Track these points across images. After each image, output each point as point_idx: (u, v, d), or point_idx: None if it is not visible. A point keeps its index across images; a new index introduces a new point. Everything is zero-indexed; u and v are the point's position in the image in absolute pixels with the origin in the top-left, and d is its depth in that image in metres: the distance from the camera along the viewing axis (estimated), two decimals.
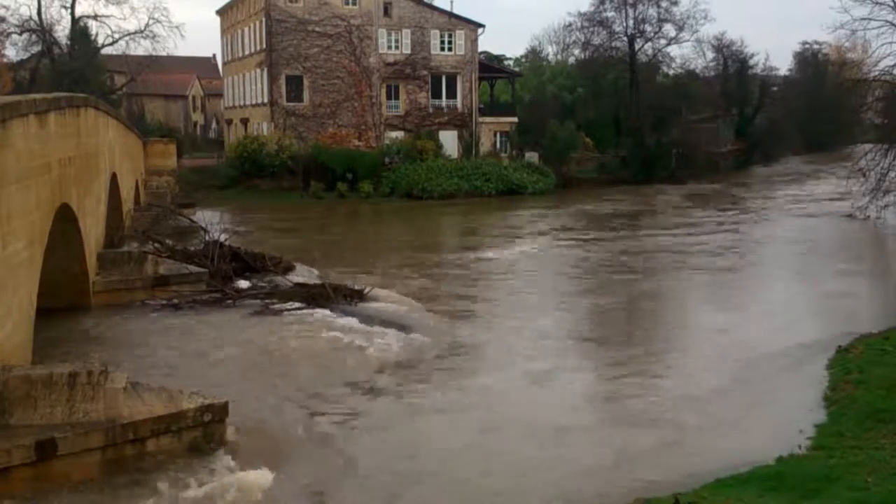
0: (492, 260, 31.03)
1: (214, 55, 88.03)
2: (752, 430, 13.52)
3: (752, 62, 79.49)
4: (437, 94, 58.60)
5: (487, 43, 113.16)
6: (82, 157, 18.52)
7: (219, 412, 11.67)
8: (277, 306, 20.56)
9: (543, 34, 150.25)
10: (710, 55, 78.48)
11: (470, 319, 21.28)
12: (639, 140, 62.49)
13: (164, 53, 58.08)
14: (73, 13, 56.41)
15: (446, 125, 58.45)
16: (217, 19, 66.55)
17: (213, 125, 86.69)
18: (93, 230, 20.57)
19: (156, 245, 24.71)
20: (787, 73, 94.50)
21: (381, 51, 56.50)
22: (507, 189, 53.35)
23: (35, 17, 54.30)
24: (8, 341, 11.41)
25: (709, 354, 17.80)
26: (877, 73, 41.39)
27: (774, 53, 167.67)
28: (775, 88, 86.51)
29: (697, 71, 76.85)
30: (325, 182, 50.80)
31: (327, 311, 20.24)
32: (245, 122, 59.91)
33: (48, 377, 10.85)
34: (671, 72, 72.95)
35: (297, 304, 20.71)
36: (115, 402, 11.10)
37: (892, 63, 39.86)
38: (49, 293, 15.42)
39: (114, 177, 25.95)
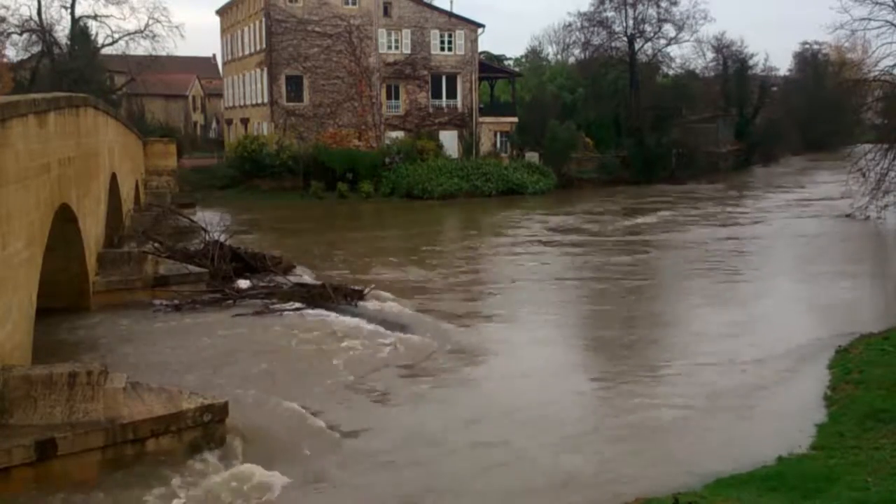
0: (492, 259, 31.02)
1: (214, 55, 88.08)
2: (751, 429, 13.51)
3: (751, 62, 79.83)
4: (437, 94, 58.64)
5: (487, 43, 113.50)
6: (82, 157, 18.52)
7: (219, 412, 11.66)
8: (277, 306, 20.57)
9: (543, 34, 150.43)
10: (710, 55, 78.86)
11: (470, 319, 21.24)
12: (639, 140, 62.58)
13: (164, 53, 58.23)
14: (73, 13, 56.54)
15: (446, 125, 58.49)
16: (217, 19, 66.55)
17: (213, 125, 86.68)
18: (93, 230, 20.57)
19: (156, 245, 24.72)
20: (787, 74, 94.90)
21: (381, 51, 56.45)
22: (508, 189, 53.40)
23: (35, 17, 54.45)
24: (8, 341, 11.42)
25: (708, 354, 17.75)
26: (877, 73, 41.48)
27: (774, 53, 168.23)
28: (775, 89, 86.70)
29: (697, 71, 77.13)
30: (325, 182, 50.77)
31: (327, 311, 20.28)
32: (245, 122, 59.90)
33: (48, 377, 10.86)
34: (671, 72, 73.13)
35: (297, 304, 20.74)
36: (114, 402, 11.10)
37: (892, 63, 40.04)
38: (49, 293, 15.44)
39: (114, 177, 25.94)
